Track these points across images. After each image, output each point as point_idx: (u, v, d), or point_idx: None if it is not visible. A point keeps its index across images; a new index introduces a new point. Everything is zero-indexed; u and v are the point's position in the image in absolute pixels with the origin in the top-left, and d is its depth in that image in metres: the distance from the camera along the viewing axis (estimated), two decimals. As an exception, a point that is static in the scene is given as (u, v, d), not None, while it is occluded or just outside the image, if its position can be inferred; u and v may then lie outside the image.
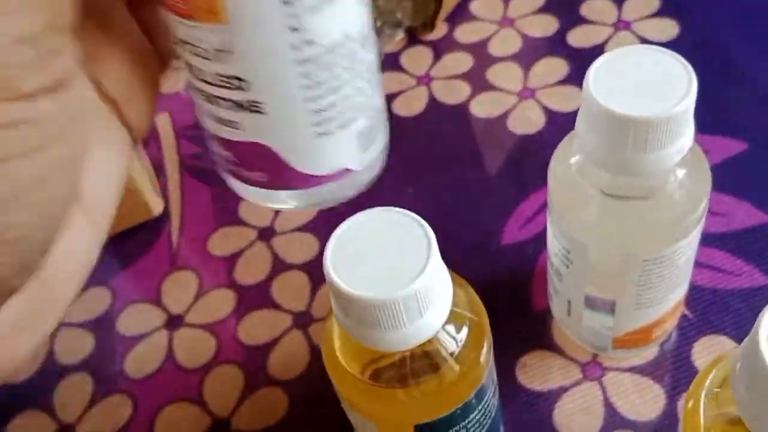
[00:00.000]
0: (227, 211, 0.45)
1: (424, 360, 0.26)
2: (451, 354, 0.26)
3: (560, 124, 0.44)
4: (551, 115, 0.45)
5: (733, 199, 0.39)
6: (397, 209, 0.24)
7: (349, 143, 0.23)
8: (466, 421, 0.27)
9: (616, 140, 0.26)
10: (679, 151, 0.26)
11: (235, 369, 0.39)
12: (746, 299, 0.36)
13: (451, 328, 0.26)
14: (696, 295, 0.37)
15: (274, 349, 0.39)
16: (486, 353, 0.27)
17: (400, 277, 0.23)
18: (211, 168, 0.48)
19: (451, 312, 0.25)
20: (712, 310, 0.36)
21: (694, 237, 0.30)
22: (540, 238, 0.39)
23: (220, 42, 0.20)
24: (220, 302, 0.41)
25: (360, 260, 0.23)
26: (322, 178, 0.23)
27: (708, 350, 0.35)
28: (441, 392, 0.26)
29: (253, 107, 0.21)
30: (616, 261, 0.30)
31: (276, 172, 0.23)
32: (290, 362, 0.38)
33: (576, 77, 0.47)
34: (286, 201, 0.24)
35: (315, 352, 0.38)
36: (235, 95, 0.21)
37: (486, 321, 0.27)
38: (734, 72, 0.45)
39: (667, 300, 0.32)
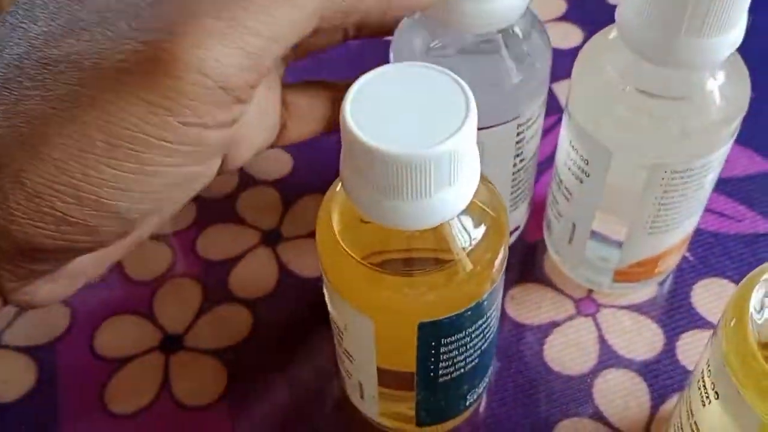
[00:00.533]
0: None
1: (436, 251, 0.23)
2: (465, 248, 0.23)
3: (557, 60, 0.42)
4: (548, 50, 0.42)
5: (737, 146, 0.38)
6: (430, 65, 0.21)
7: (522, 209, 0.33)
8: (473, 327, 0.24)
9: (670, 21, 0.23)
10: (734, 42, 0.24)
11: (192, 283, 0.34)
12: (748, 245, 0.34)
13: (468, 220, 0.23)
14: (697, 238, 0.35)
15: (237, 265, 0.35)
16: (502, 256, 0.24)
17: (431, 136, 0.19)
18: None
19: (471, 203, 0.22)
20: (713, 254, 0.34)
21: (725, 153, 0.27)
22: (539, 166, 0.37)
23: None
24: (177, 214, 0.37)
25: (384, 114, 0.20)
26: None
27: (708, 293, 0.33)
28: (450, 288, 0.23)
29: None
30: (639, 173, 0.27)
31: None
32: (255, 280, 0.34)
33: (576, 13, 0.44)
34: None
35: (284, 272, 0.34)
36: None
37: (506, 220, 0.24)
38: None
39: (683, 226, 0.29)
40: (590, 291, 0.33)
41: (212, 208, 0.37)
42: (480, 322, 0.24)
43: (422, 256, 0.23)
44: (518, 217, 0.33)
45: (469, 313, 0.23)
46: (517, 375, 0.31)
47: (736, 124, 0.27)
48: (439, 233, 0.22)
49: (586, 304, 0.33)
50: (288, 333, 0.33)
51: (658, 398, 0.30)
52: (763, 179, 0.37)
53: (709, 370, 0.22)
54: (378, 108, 0.20)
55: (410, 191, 0.20)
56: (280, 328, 0.33)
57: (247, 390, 0.31)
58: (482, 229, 0.23)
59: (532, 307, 0.33)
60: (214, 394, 0.31)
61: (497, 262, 0.23)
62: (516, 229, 0.34)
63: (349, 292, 0.23)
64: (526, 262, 0.35)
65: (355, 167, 0.20)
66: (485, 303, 0.24)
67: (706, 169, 0.27)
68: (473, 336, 0.25)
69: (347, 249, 0.22)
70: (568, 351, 0.32)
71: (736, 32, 0.24)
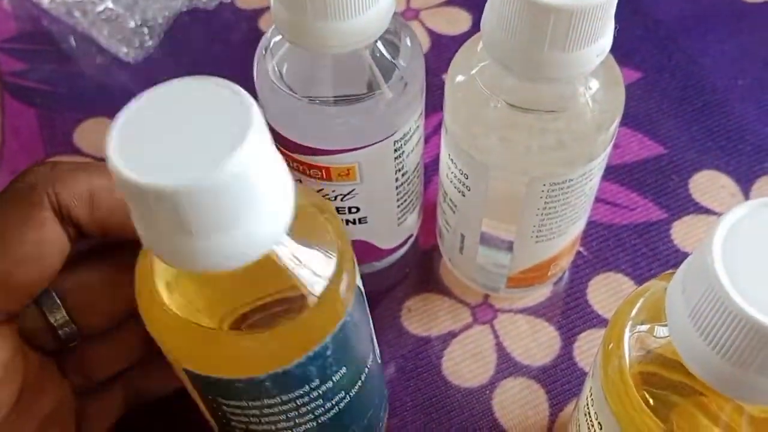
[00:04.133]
0: (57, 137, 0.38)
1: (270, 291, 0.20)
2: (308, 283, 0.20)
3: (445, 47, 0.41)
4: (436, 38, 0.41)
5: (627, 130, 0.37)
6: (202, 77, 0.18)
7: (412, 219, 0.32)
8: (329, 370, 0.21)
9: (532, 35, 0.22)
10: (600, 53, 0.23)
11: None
12: (641, 234, 0.34)
13: (307, 252, 0.20)
14: (590, 231, 0.34)
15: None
16: (347, 284, 0.21)
17: (214, 157, 0.16)
18: (40, 88, 0.41)
19: (307, 235, 0.19)
20: (607, 246, 0.34)
21: (603, 160, 0.27)
22: (428, 169, 0.36)
23: (348, 190, 0.28)
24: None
25: (157, 142, 0.16)
26: (395, 248, 0.33)
27: (603, 288, 0.33)
28: (293, 330, 0.20)
29: (361, 221, 0.30)
30: (518, 186, 0.26)
31: (369, 254, 0.32)
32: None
33: (462, -1, 0.43)
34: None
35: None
36: (350, 217, 0.29)
37: (349, 249, 0.22)
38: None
39: (569, 232, 0.29)
40: (487, 296, 0.33)
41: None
42: (339, 359, 0.22)
43: (263, 302, 0.20)
44: (409, 226, 0.32)
45: (316, 356, 0.21)
46: (416, 392, 0.30)
47: (613, 129, 0.26)
48: (271, 272, 0.19)
49: (483, 310, 0.32)
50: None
51: (556, 405, 0.30)
52: (654, 163, 0.36)
53: (592, 400, 0.22)
54: (150, 137, 0.16)
55: (207, 225, 0.17)
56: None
57: None
58: (324, 260, 0.21)
59: (429, 318, 0.32)
60: None
61: (343, 289, 0.21)
62: (409, 237, 0.33)
63: (185, 359, 0.21)
64: (422, 270, 0.34)
65: (138, 212, 0.17)
66: (339, 340, 0.21)
67: (586, 177, 0.26)
68: (332, 384, 0.22)
69: (179, 312, 0.20)
70: (466, 363, 0.31)
71: (602, 41, 0.23)
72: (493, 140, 0.25)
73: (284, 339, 0.20)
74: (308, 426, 0.22)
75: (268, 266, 0.19)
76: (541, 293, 0.33)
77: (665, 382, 0.20)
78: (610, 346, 0.20)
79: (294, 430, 0.22)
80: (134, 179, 0.16)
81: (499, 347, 0.31)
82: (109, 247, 0.24)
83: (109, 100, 0.39)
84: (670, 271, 0.22)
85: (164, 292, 0.20)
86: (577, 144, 0.25)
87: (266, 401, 0.21)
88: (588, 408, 0.22)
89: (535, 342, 0.31)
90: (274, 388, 0.21)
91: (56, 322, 0.24)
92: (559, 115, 0.25)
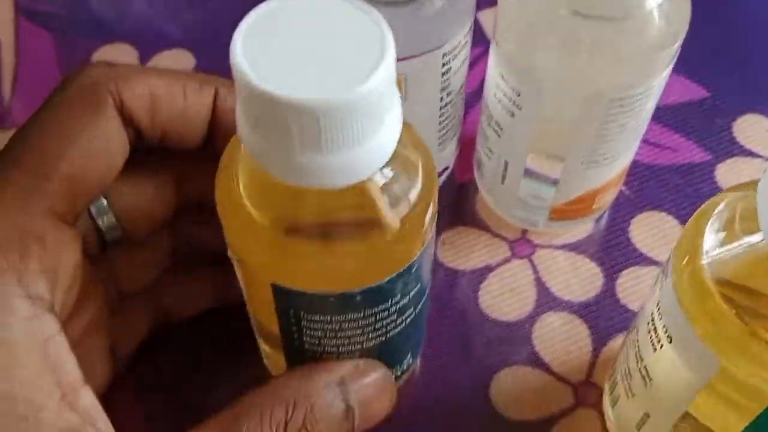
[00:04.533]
0: (76, 61, 0.36)
1: (359, 211, 0.19)
2: (391, 205, 0.19)
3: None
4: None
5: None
6: None
7: (450, 148, 0.31)
8: (409, 285, 0.21)
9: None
10: (675, -48, 0.21)
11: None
12: (684, 175, 0.33)
13: (391, 172, 0.19)
14: (633, 171, 0.33)
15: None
16: (432, 211, 0.21)
17: (344, 77, 0.16)
18: (56, 11, 0.39)
19: (394, 153, 0.18)
20: (650, 186, 0.33)
21: (664, 80, 0.25)
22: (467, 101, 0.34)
23: None
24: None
25: (284, 55, 0.16)
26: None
27: (646, 226, 0.32)
28: (390, 249, 0.19)
29: None
30: (575, 103, 0.25)
31: None
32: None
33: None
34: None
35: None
36: None
37: (434, 167, 0.21)
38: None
39: (620, 158, 0.28)
40: (525, 231, 0.31)
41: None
42: (412, 283, 0.21)
43: (343, 219, 0.20)
44: (447, 156, 0.31)
45: (396, 279, 0.20)
46: (452, 325, 0.29)
47: (677, 46, 0.24)
48: (361, 190, 0.19)
49: (521, 245, 0.31)
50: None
51: (599, 341, 0.28)
52: (697, 106, 0.35)
53: (660, 313, 0.20)
54: (277, 47, 0.16)
55: (338, 142, 0.16)
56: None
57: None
58: (407, 182, 0.20)
59: (465, 251, 0.31)
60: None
61: (427, 218, 0.20)
62: (445, 169, 0.32)
63: (272, 272, 0.20)
64: (457, 204, 0.32)
65: (256, 120, 0.17)
66: (416, 267, 0.21)
67: (646, 96, 0.25)
68: (402, 304, 0.22)
69: (256, 216, 0.19)
70: (504, 297, 0.30)
71: (679, -59, 0.21)
72: (553, 53, 0.24)
73: (383, 255, 0.20)
74: (377, 341, 0.22)
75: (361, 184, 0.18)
76: (582, 229, 0.31)
77: (743, 290, 0.19)
78: (687, 247, 0.19)
79: (364, 344, 0.22)
80: (269, 91, 0.15)
81: (539, 282, 0.30)
82: (152, 152, 0.23)
83: (127, 26, 0.38)
84: (739, 183, 0.21)
85: (248, 200, 0.19)
86: (640, 57, 0.24)
87: (351, 315, 0.21)
88: (653, 323, 0.21)
89: (577, 278, 0.30)
90: (362, 303, 0.20)
91: (104, 224, 0.23)
92: (624, 23, 0.23)
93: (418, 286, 0.22)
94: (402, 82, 0.26)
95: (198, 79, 0.22)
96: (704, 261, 0.19)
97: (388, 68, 0.16)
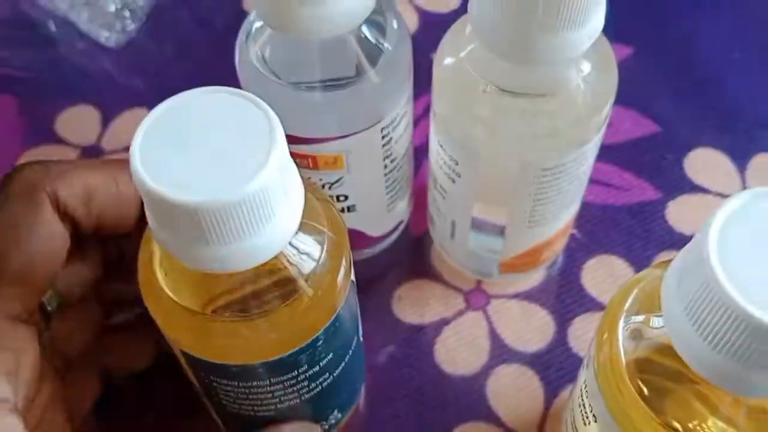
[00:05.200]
0: (40, 126, 0.37)
1: (270, 284, 0.20)
2: (305, 275, 0.21)
3: (434, 26, 0.40)
4: (425, 16, 0.40)
5: (620, 108, 0.36)
6: (225, 88, 0.18)
7: (402, 206, 0.32)
8: (317, 357, 0.22)
9: (522, 17, 0.21)
10: (591, 34, 0.22)
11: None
12: (635, 215, 0.34)
13: (303, 242, 0.21)
14: (584, 213, 0.34)
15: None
16: (344, 275, 0.22)
17: (236, 175, 0.17)
18: (20, 75, 0.40)
19: (303, 224, 0.20)
20: (602, 229, 0.33)
21: (596, 143, 0.26)
22: (419, 153, 0.35)
23: (336, 178, 0.27)
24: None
25: (180, 154, 0.17)
26: (385, 235, 0.32)
27: (598, 271, 0.32)
28: (290, 322, 0.21)
29: (350, 209, 0.29)
30: (510, 172, 0.25)
31: (359, 242, 0.31)
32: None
33: (451, -25, 0.42)
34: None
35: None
36: (339, 205, 0.29)
37: (345, 238, 0.22)
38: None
39: (562, 216, 0.28)
40: (479, 281, 0.32)
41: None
42: (334, 344, 0.22)
43: (258, 290, 0.21)
44: (399, 212, 0.32)
45: (314, 342, 0.21)
46: (409, 381, 0.30)
47: (606, 112, 0.25)
48: (271, 263, 0.20)
49: (476, 296, 0.32)
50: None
51: (550, 392, 0.29)
52: (648, 142, 0.36)
53: (587, 391, 0.21)
54: (173, 147, 0.17)
55: (224, 237, 0.17)
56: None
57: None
58: (318, 250, 0.21)
59: (420, 305, 0.32)
60: None
61: (339, 281, 0.21)
62: (399, 224, 0.32)
63: (180, 342, 0.21)
64: (413, 258, 0.33)
65: (158, 217, 0.18)
66: (334, 328, 0.22)
67: (579, 162, 0.26)
68: (324, 362, 0.23)
69: (175, 298, 0.20)
70: (459, 350, 0.30)
71: (594, 22, 0.22)
72: (484, 126, 0.25)
73: (281, 330, 0.21)
74: (292, 402, 0.23)
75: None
76: (534, 278, 0.32)
77: (660, 370, 0.19)
78: (604, 336, 0.20)
79: (278, 405, 0.23)
80: (161, 193, 0.16)
81: (493, 333, 0.31)
82: None
83: (91, 87, 0.38)
84: (665, 259, 0.22)
85: (161, 276, 0.21)
86: (569, 128, 0.24)
87: (256, 383, 0.22)
88: (582, 399, 0.22)
89: (529, 327, 0.31)
90: (265, 373, 0.21)
91: (45, 298, 0.24)
92: (551, 98, 0.24)
93: (330, 355, 0.22)
94: (344, 157, 0.27)
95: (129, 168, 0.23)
96: (620, 346, 0.19)
97: (270, 172, 0.17)
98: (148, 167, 0.17)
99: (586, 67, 0.24)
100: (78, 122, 0.37)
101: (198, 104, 0.18)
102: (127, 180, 0.23)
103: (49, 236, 0.22)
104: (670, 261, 0.20)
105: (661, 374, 0.19)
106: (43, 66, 0.39)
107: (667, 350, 0.19)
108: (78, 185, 0.22)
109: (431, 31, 0.39)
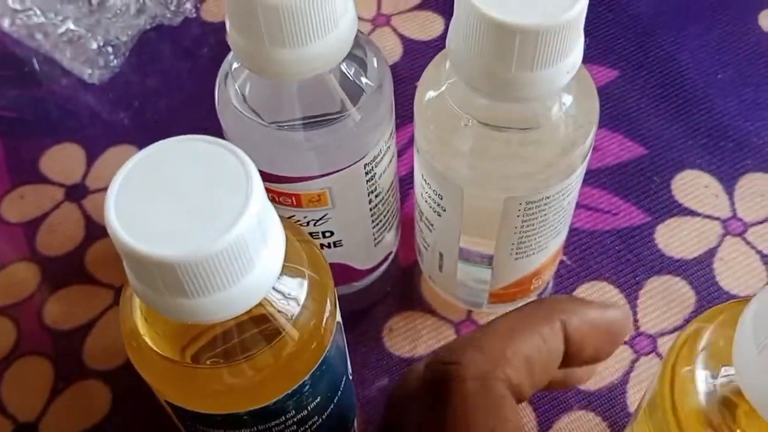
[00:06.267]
0: (23, 166, 0.37)
1: (253, 329, 0.20)
2: (289, 318, 0.20)
3: (419, 53, 0.40)
4: (408, 44, 0.40)
5: (606, 132, 0.36)
6: (201, 136, 0.18)
7: (389, 237, 0.31)
8: (305, 401, 0.22)
9: (498, 56, 0.21)
10: (570, 69, 0.22)
11: (42, 360, 0.31)
12: (625, 240, 0.33)
13: (286, 286, 0.20)
14: (573, 239, 0.33)
15: (91, 332, 0.32)
16: (329, 316, 0.21)
17: (213, 225, 0.17)
18: (4, 114, 0.40)
19: (285, 268, 0.19)
20: (591, 255, 0.33)
21: (581, 174, 0.26)
22: (405, 182, 0.35)
23: (320, 215, 0.27)
24: (19, 279, 0.34)
25: (155, 206, 0.17)
26: (373, 267, 0.31)
27: (588, 297, 0.32)
28: (276, 368, 0.20)
29: (336, 244, 0.29)
30: (495, 205, 0.25)
31: (346, 276, 0.31)
32: (112, 347, 0.31)
33: (434, 1, 0.42)
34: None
35: (143, 333, 0.32)
36: (325, 241, 0.28)
37: (329, 279, 0.22)
38: (599, -4, 0.41)
39: (549, 246, 0.28)
40: (470, 312, 0.32)
41: (57, 267, 0.34)
42: (322, 387, 0.22)
43: (242, 337, 0.21)
44: (387, 244, 0.31)
45: (302, 387, 0.21)
46: (401, 416, 0.29)
47: (589, 142, 0.25)
48: (254, 311, 0.19)
49: (467, 327, 0.32)
50: (152, 404, 0.30)
51: (544, 423, 0.29)
52: (635, 165, 0.36)
53: None
54: (149, 199, 0.17)
55: (203, 288, 0.17)
56: (144, 398, 0.30)
57: (113, 477, 0.29)
58: (303, 291, 0.21)
59: (411, 337, 0.31)
60: (77, 486, 0.28)
61: (325, 323, 0.21)
62: (388, 255, 0.32)
63: (164, 392, 0.21)
64: (403, 289, 0.33)
65: (134, 271, 0.18)
66: (322, 371, 0.22)
67: (564, 193, 0.25)
68: (313, 407, 0.22)
69: (155, 348, 0.20)
70: (451, 383, 0.30)
71: (573, 57, 0.22)
72: (466, 160, 0.24)
73: (265, 376, 0.20)
74: None
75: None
76: (525, 306, 0.32)
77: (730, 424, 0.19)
78: (666, 393, 0.19)
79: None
80: (138, 249, 0.16)
81: (484, 365, 0.30)
82: None
83: (76, 124, 0.38)
84: (710, 309, 0.21)
85: (141, 326, 0.20)
86: (553, 160, 0.24)
87: (243, 430, 0.21)
88: None
89: (521, 358, 0.30)
90: (251, 421, 0.21)
91: None
92: (534, 131, 0.24)
93: (318, 399, 0.22)
94: (327, 193, 0.26)
95: (548, 321, 0.22)
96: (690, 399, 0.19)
97: (248, 221, 0.17)
98: (123, 220, 0.17)
99: (567, 99, 0.24)
100: (62, 161, 0.37)
101: (173, 154, 0.18)
102: (550, 333, 0.22)
103: (555, 344, 0.21)
104: (715, 310, 0.20)
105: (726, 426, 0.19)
106: (27, 105, 0.39)
107: (734, 404, 0.18)
108: (520, 361, 0.21)
109: (415, 59, 0.39)
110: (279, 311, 0.20)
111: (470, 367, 0.21)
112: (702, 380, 0.19)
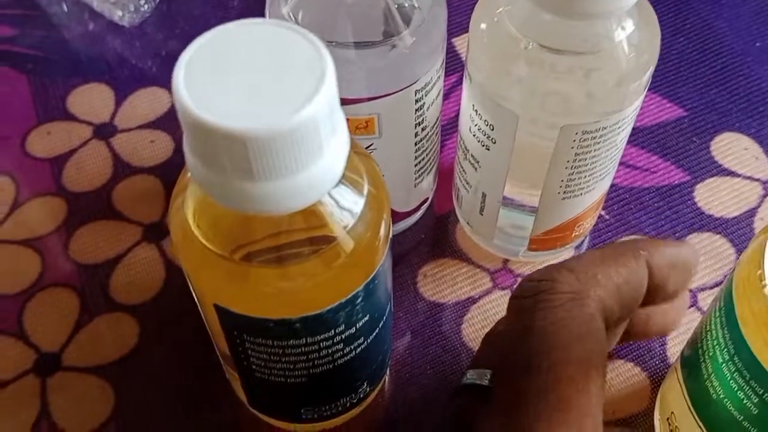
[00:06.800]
0: (51, 104, 0.36)
1: (309, 235, 0.20)
2: (344, 227, 0.20)
3: (455, 9, 0.39)
4: None
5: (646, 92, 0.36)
6: (278, 21, 0.17)
7: (428, 181, 0.31)
8: (354, 317, 0.21)
9: (572, -36, 0.20)
10: (639, -12, 0.21)
11: (68, 292, 0.30)
12: (663, 197, 0.33)
13: (345, 194, 0.20)
14: (612, 195, 0.33)
15: (117, 267, 0.31)
16: (384, 232, 0.21)
17: (284, 106, 0.16)
18: (31, 53, 0.39)
19: (345, 176, 0.19)
20: (630, 210, 0.33)
21: (636, 109, 0.25)
22: (443, 131, 0.34)
23: (367, 144, 0.27)
24: (44, 213, 0.33)
25: (226, 84, 0.16)
26: (409, 212, 0.31)
27: (627, 252, 0.31)
28: (329, 275, 0.20)
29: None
30: (548, 138, 0.25)
31: None
32: (140, 283, 0.31)
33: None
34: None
35: (172, 270, 0.31)
36: None
37: (386, 194, 0.21)
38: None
39: (597, 187, 0.27)
40: (506, 261, 0.31)
41: (84, 203, 0.33)
42: (369, 304, 0.21)
43: (295, 241, 0.20)
44: (425, 189, 0.31)
45: (353, 299, 0.20)
46: (436, 360, 0.29)
47: (648, 75, 0.24)
48: (312, 212, 0.19)
49: (503, 276, 0.31)
50: (180, 339, 0.29)
51: (583, 371, 0.28)
52: (674, 126, 0.35)
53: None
54: (219, 76, 0.16)
55: (271, 171, 0.16)
56: (171, 334, 0.29)
57: (138, 410, 0.28)
58: (361, 203, 0.20)
59: (446, 284, 0.31)
60: (101, 417, 0.28)
61: (380, 237, 0.21)
62: (424, 201, 0.32)
63: (215, 293, 0.20)
64: (437, 237, 0.32)
65: (200, 150, 0.17)
66: (371, 287, 0.21)
67: (619, 126, 0.25)
68: (361, 322, 0.22)
69: (207, 244, 0.19)
70: (486, 329, 0.29)
71: (643, -25, 0.21)
72: (523, 86, 0.24)
73: (317, 282, 0.20)
74: (324, 368, 0.22)
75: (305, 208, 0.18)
76: (562, 257, 0.31)
77: None
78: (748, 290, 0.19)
79: (311, 370, 0.22)
80: (208, 122, 0.15)
81: (522, 313, 0.30)
82: None
83: (103, 66, 0.38)
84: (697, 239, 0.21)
85: (193, 225, 0.19)
86: (611, 90, 0.24)
87: (292, 341, 0.21)
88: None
89: (559, 307, 0.30)
90: (302, 330, 0.20)
91: None
92: (593, 57, 0.23)
93: (367, 317, 0.21)
94: (375, 120, 0.26)
95: (633, 255, 0.22)
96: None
97: (321, 102, 0.16)
98: (193, 94, 0.16)
99: (629, 25, 0.23)
100: (90, 100, 0.36)
101: (243, 35, 0.17)
102: (636, 266, 0.22)
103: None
104: None
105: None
106: (55, 45, 0.39)
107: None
108: (611, 286, 0.21)
109: (455, 15, 0.38)
110: (336, 218, 0.20)
111: (563, 283, 0.20)
112: None
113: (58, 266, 0.31)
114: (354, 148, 0.21)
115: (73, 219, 0.32)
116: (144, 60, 0.38)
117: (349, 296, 0.20)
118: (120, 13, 0.39)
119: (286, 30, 0.17)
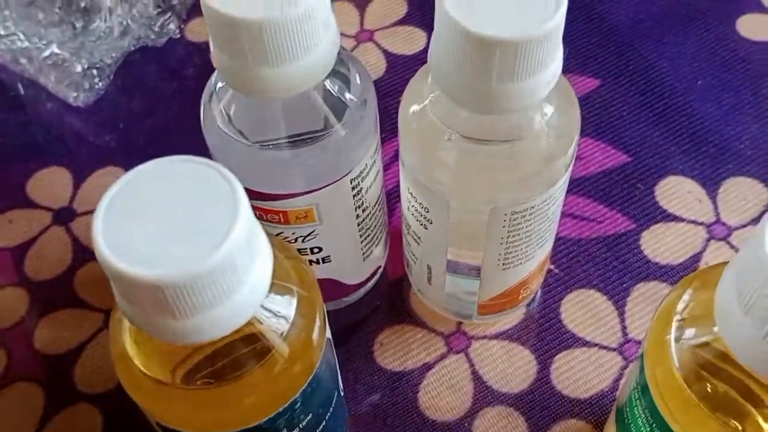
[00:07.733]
0: (11, 190, 0.37)
1: (243, 348, 0.20)
2: (278, 336, 0.20)
3: (403, 67, 0.40)
4: (392, 58, 0.40)
5: (590, 140, 0.37)
6: (186, 156, 0.18)
7: (379, 250, 0.31)
8: (296, 419, 0.22)
9: (479, 69, 0.21)
10: (551, 79, 0.22)
11: (33, 387, 0.31)
12: (611, 247, 0.34)
13: (275, 303, 0.20)
14: (560, 247, 0.34)
15: (81, 356, 0.32)
16: (318, 332, 0.22)
17: (201, 244, 0.17)
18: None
19: (274, 285, 0.19)
20: (578, 262, 0.33)
21: (564, 183, 0.26)
22: (392, 196, 0.35)
23: (308, 231, 0.27)
24: (8, 305, 0.33)
25: (143, 227, 0.17)
26: (362, 282, 0.32)
27: (576, 305, 0.32)
28: (268, 386, 0.20)
29: (325, 260, 0.29)
30: (481, 217, 0.25)
31: (336, 291, 0.31)
32: (102, 370, 0.31)
33: (416, 16, 0.42)
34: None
35: (133, 354, 0.32)
36: (313, 257, 0.29)
37: (318, 295, 0.22)
38: (582, 9, 0.42)
39: (536, 256, 0.28)
40: (460, 323, 0.32)
41: (45, 293, 0.34)
42: (312, 404, 0.22)
43: (233, 357, 0.21)
44: (376, 258, 0.32)
45: (294, 404, 0.21)
46: (393, 430, 0.30)
47: (572, 151, 0.25)
48: (244, 329, 0.19)
49: (457, 339, 0.32)
50: (145, 424, 0.30)
51: (536, 431, 0.29)
52: (618, 173, 0.36)
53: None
54: (136, 220, 0.17)
55: (192, 309, 0.17)
56: (135, 421, 0.30)
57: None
58: (292, 308, 0.21)
59: (401, 351, 0.31)
60: None
61: (315, 337, 0.21)
62: (377, 270, 0.32)
63: (156, 414, 0.21)
64: (392, 302, 0.33)
65: (124, 293, 0.18)
66: (312, 387, 0.22)
67: (548, 202, 0.26)
68: (305, 423, 0.23)
69: (147, 371, 0.20)
70: (442, 395, 0.30)
71: (553, 67, 0.22)
72: (450, 173, 0.25)
73: (256, 395, 0.20)
74: None
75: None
76: (514, 316, 0.32)
77: (717, 379, 0.19)
78: (655, 356, 0.20)
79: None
80: (124, 270, 0.16)
81: (475, 376, 0.31)
82: None
83: (62, 148, 0.38)
84: (689, 275, 0.22)
85: (130, 347, 0.20)
86: (537, 171, 0.24)
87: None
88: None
89: (512, 367, 0.31)
90: None
91: None
92: (516, 143, 0.24)
93: (310, 416, 0.22)
94: (314, 209, 0.27)
95: None
96: (672, 347, 0.20)
97: (236, 239, 0.17)
98: (110, 243, 0.17)
99: (548, 109, 0.24)
100: (50, 184, 0.37)
101: (159, 175, 0.18)
102: None
103: None
104: (695, 275, 0.21)
105: (716, 379, 0.19)
106: (13, 129, 0.39)
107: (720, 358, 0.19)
108: None
109: (399, 74, 0.39)
110: (268, 329, 0.20)
111: None
112: (680, 343, 0.20)
113: (25, 359, 0.32)
114: (282, 252, 0.21)
115: (36, 309, 0.33)
116: (101, 136, 0.39)
117: (287, 404, 0.21)
118: (74, 93, 0.39)
119: (200, 165, 0.18)
